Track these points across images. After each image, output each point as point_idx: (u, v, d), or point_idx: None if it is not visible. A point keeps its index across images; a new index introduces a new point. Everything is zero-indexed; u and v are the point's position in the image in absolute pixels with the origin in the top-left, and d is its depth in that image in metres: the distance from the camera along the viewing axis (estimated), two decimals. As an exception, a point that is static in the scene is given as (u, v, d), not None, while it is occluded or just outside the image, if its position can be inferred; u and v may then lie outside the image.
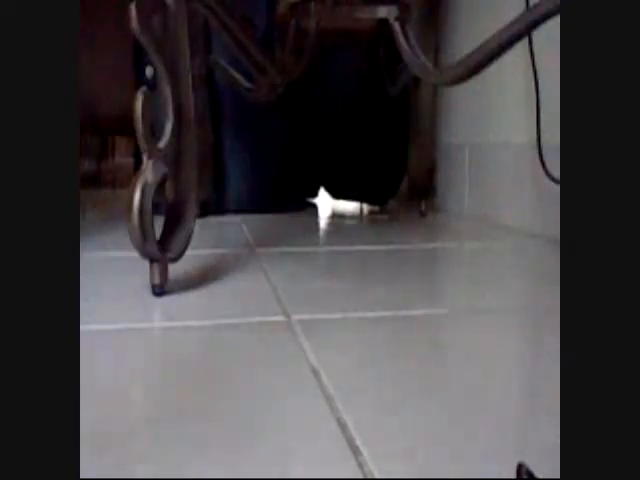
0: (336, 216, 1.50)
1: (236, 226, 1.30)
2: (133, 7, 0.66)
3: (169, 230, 0.74)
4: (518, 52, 1.10)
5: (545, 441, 0.37)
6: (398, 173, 1.50)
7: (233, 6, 0.91)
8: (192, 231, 0.76)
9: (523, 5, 1.02)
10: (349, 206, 1.61)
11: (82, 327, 0.58)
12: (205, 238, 1.11)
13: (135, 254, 0.70)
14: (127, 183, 0.70)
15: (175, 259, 0.74)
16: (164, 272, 0.72)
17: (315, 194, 1.67)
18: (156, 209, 0.68)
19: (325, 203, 1.68)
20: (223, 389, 0.46)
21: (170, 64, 0.73)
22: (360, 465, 0.35)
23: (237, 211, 1.47)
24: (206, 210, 1.38)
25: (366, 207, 1.57)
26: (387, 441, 0.38)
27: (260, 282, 0.79)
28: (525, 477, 0.30)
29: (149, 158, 0.69)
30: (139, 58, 1.40)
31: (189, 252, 0.76)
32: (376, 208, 1.53)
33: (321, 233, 1.27)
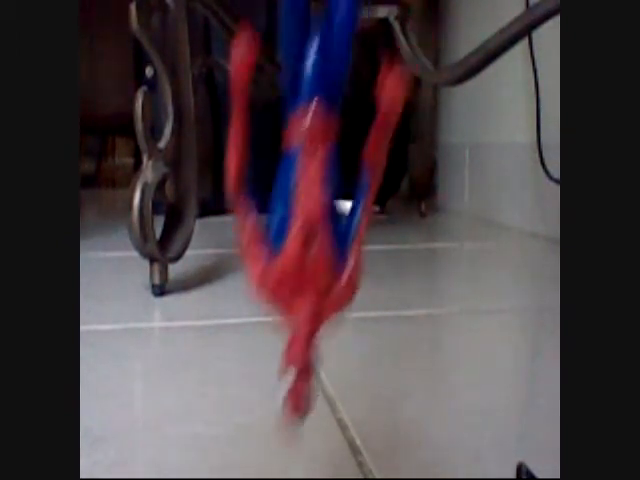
0: (336, 216, 1.49)
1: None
2: (133, 7, 0.66)
3: (169, 230, 0.74)
4: (518, 52, 1.10)
5: (545, 441, 0.37)
6: (398, 173, 1.50)
7: (233, 6, 0.91)
8: (192, 231, 0.76)
9: (523, 5, 1.02)
10: (349, 206, 1.61)
11: (82, 327, 0.58)
12: (205, 238, 1.11)
13: (135, 254, 0.70)
14: (127, 183, 0.70)
15: (175, 259, 0.74)
16: (164, 272, 0.72)
17: (315, 194, 1.67)
18: (156, 209, 0.68)
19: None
20: (223, 389, 0.46)
21: (170, 64, 0.73)
22: (360, 465, 0.35)
23: (237, 211, 1.46)
24: (206, 210, 1.38)
25: (366, 207, 1.56)
26: (387, 441, 0.38)
27: (260, 282, 0.78)
28: (525, 477, 0.29)
29: (149, 158, 0.69)
30: (139, 58, 1.40)
31: (189, 252, 0.76)
32: (376, 208, 1.53)
33: (321, 233, 1.27)
